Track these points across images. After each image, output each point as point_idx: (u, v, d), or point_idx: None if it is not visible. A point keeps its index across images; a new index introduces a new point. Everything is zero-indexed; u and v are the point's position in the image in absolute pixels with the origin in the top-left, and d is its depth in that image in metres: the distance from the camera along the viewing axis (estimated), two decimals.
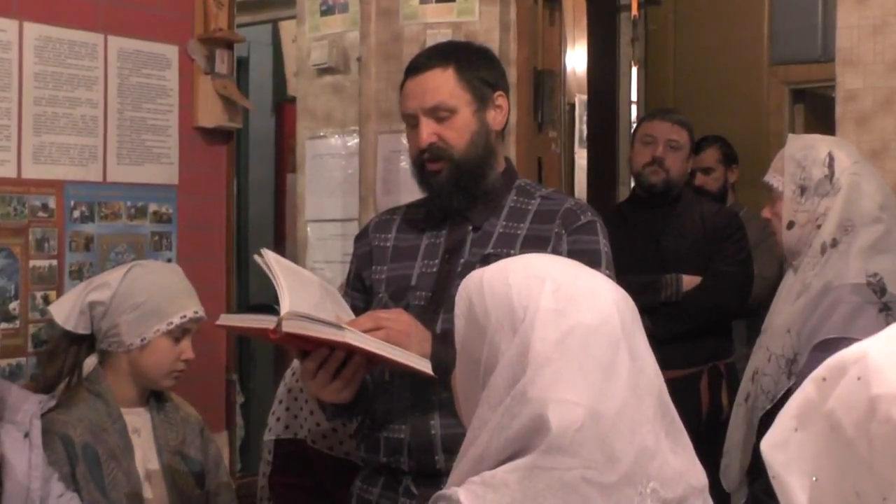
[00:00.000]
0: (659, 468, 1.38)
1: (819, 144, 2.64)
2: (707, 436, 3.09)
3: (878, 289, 2.47)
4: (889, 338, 0.98)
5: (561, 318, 1.39)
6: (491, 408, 1.39)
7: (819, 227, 2.56)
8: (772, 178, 2.67)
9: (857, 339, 1.99)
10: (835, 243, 2.52)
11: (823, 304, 2.46)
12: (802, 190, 2.59)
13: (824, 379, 1.00)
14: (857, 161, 2.63)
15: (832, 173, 2.57)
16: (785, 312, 2.57)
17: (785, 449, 1.02)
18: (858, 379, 0.95)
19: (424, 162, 2.40)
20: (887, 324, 2.43)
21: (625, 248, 3.59)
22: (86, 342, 2.67)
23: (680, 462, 1.41)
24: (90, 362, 2.67)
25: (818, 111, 6.12)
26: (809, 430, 1.01)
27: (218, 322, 2.33)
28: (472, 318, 1.47)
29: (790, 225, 2.59)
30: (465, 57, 2.44)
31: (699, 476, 1.44)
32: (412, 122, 2.42)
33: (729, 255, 3.86)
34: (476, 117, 2.41)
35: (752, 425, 2.58)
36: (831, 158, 2.58)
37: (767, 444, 1.04)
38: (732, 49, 6.36)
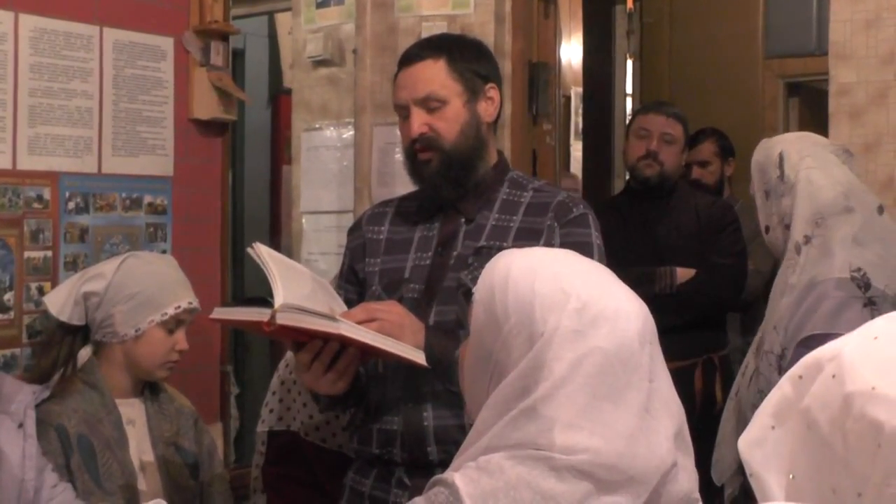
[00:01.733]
0: (672, 489, 1.39)
1: (774, 145, 2.66)
2: (701, 427, 3.10)
3: (863, 283, 2.47)
4: (864, 335, 0.99)
5: (580, 339, 1.39)
6: (498, 414, 1.40)
7: (787, 226, 2.57)
8: (751, 188, 2.70)
9: (841, 335, 1.99)
10: (808, 240, 2.53)
11: (809, 299, 2.46)
12: (767, 194, 2.61)
13: (800, 377, 1.01)
14: (808, 155, 2.63)
15: (782, 172, 2.58)
16: (773, 311, 2.58)
17: (762, 447, 1.03)
18: (833, 377, 0.96)
19: (415, 152, 2.41)
20: (872, 318, 2.45)
21: (619, 240, 3.61)
22: (80, 333, 2.68)
23: (689, 483, 1.42)
24: (84, 353, 2.68)
25: (813, 105, 6.13)
26: (786, 427, 1.01)
27: (212, 315, 2.33)
28: (491, 310, 1.47)
29: (767, 230, 2.61)
30: (457, 49, 2.45)
31: (696, 492, 1.45)
32: (404, 113, 2.43)
33: (723, 247, 3.87)
34: (467, 108, 2.41)
35: (745, 420, 2.59)
36: (781, 158, 2.60)
37: (745, 443, 1.04)
38: (727, 42, 6.36)
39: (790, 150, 2.62)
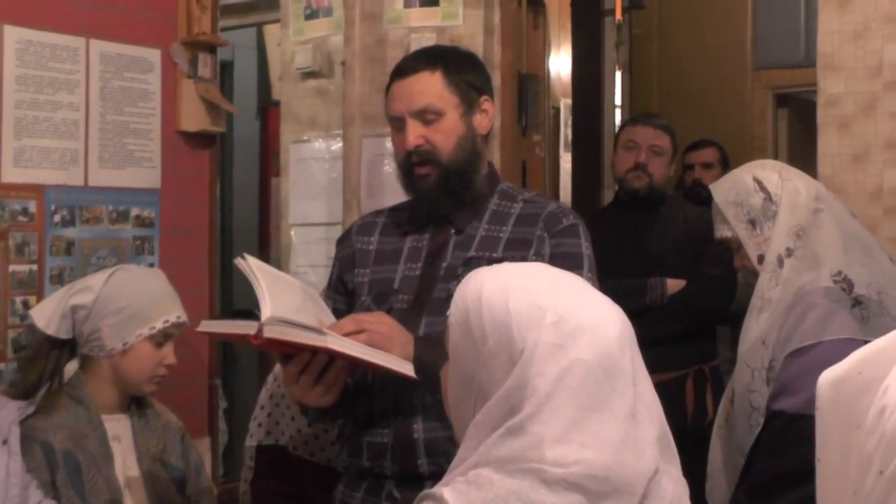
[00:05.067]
0: (657, 494, 1.38)
1: (739, 176, 2.66)
2: (692, 438, 3.09)
3: (847, 285, 2.47)
4: None
5: (561, 353, 1.38)
6: (485, 434, 1.39)
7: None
8: (722, 232, 2.67)
9: (831, 342, 1.98)
10: (790, 252, 2.53)
11: (796, 310, 2.46)
12: (753, 223, 2.59)
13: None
14: (782, 169, 2.65)
15: (768, 193, 2.58)
16: (753, 327, 2.56)
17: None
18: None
19: (412, 165, 2.40)
20: (862, 318, 2.45)
21: (609, 251, 3.60)
22: (67, 347, 2.66)
23: (674, 489, 1.41)
24: (71, 367, 2.66)
25: (802, 115, 6.15)
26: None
27: (199, 328, 2.32)
28: (467, 332, 1.46)
29: (760, 259, 2.59)
30: (453, 61, 2.45)
31: (685, 498, 1.44)
32: (398, 125, 2.42)
33: (713, 257, 3.87)
34: (463, 121, 2.41)
35: (739, 446, 2.56)
36: (759, 181, 2.60)
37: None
38: (716, 54, 6.38)
39: (762, 173, 2.63)
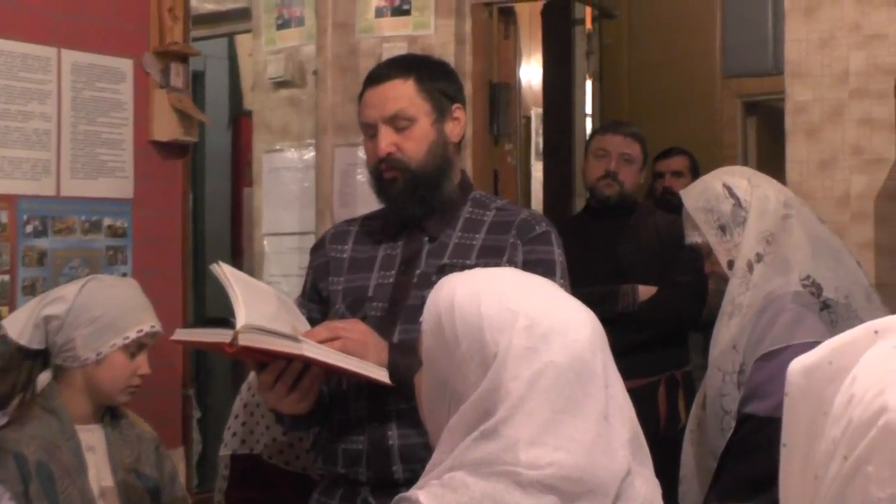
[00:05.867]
0: (630, 495, 1.39)
1: (709, 182, 2.67)
2: (665, 444, 3.11)
3: (815, 289, 2.50)
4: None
5: (533, 356, 1.39)
6: (460, 438, 1.40)
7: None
8: (692, 238, 2.69)
9: (801, 346, 2.01)
10: (760, 258, 2.55)
11: (766, 314, 2.48)
12: (723, 229, 2.61)
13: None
14: (751, 175, 2.67)
15: (738, 199, 2.60)
16: (724, 332, 2.58)
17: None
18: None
19: (382, 171, 2.42)
20: (831, 322, 2.47)
21: (581, 259, 3.62)
22: (40, 357, 2.65)
23: (646, 490, 1.43)
24: (44, 378, 2.65)
25: (770, 123, 6.20)
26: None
27: (173, 337, 2.32)
28: (440, 337, 1.46)
29: (730, 264, 2.61)
30: (425, 68, 2.47)
31: (658, 499, 1.46)
32: (371, 132, 2.43)
33: (684, 264, 3.89)
34: (435, 128, 2.42)
35: (711, 449, 2.58)
36: (728, 187, 2.62)
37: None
38: (685, 62, 6.43)
39: (732, 179, 2.64)
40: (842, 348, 1.00)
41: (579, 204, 5.73)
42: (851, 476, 0.92)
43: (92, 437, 2.65)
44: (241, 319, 2.12)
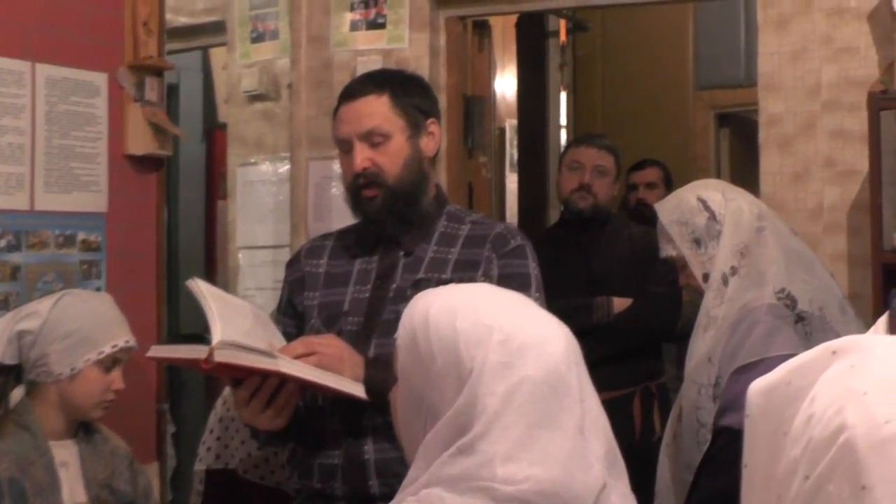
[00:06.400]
0: None
1: (684, 196, 2.69)
2: (640, 456, 3.12)
3: (790, 302, 2.52)
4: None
5: (508, 371, 1.39)
6: (436, 453, 1.40)
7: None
8: (667, 252, 2.70)
9: (776, 358, 2.01)
10: (735, 270, 2.56)
11: (741, 326, 2.49)
12: (697, 242, 2.62)
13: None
14: (725, 188, 2.69)
15: (712, 212, 2.61)
16: (699, 345, 2.59)
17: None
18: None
19: (360, 188, 2.42)
20: (805, 334, 2.49)
21: (555, 271, 3.63)
22: (13, 372, 2.63)
23: (619, 500, 1.43)
24: (17, 393, 2.63)
25: (743, 135, 6.24)
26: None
27: (148, 354, 2.32)
28: (415, 353, 1.46)
29: (705, 277, 2.62)
30: (400, 84, 2.47)
31: None
32: (346, 148, 2.44)
33: (659, 276, 3.90)
34: (410, 143, 2.43)
35: (686, 462, 2.59)
36: (703, 201, 2.63)
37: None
38: (658, 74, 6.46)
39: (706, 192, 2.66)
40: (800, 368, 1.01)
41: (554, 216, 5.74)
42: (813, 495, 0.92)
43: (65, 453, 2.63)
44: (216, 336, 2.12)
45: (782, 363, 1.05)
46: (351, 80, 2.57)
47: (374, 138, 2.40)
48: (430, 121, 2.48)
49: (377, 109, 2.40)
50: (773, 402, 1.02)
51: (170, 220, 5.14)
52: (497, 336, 1.41)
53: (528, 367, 1.40)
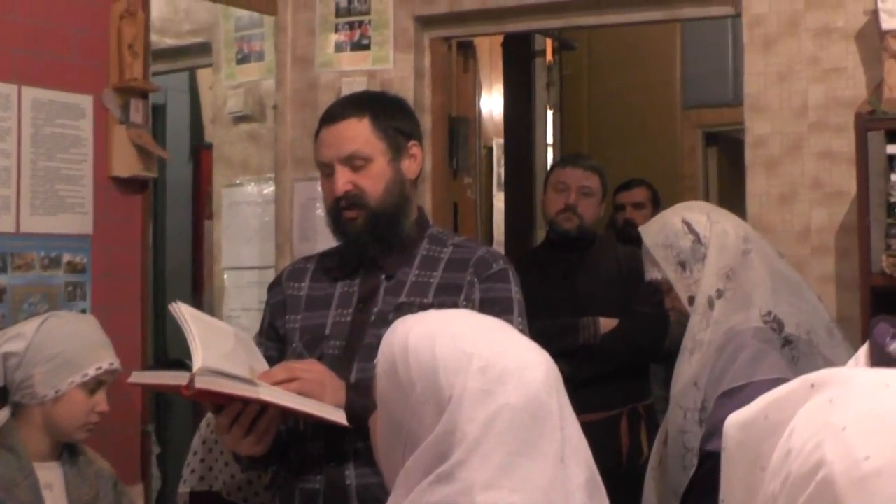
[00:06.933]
0: None
1: (668, 218, 2.67)
2: (627, 477, 3.11)
3: (776, 325, 2.51)
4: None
5: (488, 398, 1.38)
6: (415, 481, 1.39)
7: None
8: (652, 275, 2.69)
9: (762, 382, 1.99)
10: (720, 294, 2.55)
11: (728, 350, 2.48)
12: (683, 265, 2.62)
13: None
14: (710, 211, 2.67)
15: (697, 235, 2.61)
16: (685, 369, 2.58)
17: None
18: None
19: (341, 209, 2.42)
20: (792, 358, 2.48)
21: (541, 292, 3.63)
22: None
23: None
24: (2, 415, 2.63)
25: (731, 154, 6.24)
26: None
27: (130, 379, 2.31)
28: (394, 380, 1.46)
29: (691, 300, 2.61)
30: (380, 106, 2.47)
31: None
32: (327, 171, 2.44)
33: (645, 296, 3.90)
34: (391, 166, 2.43)
35: (672, 487, 2.58)
36: (687, 223, 2.62)
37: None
38: (646, 93, 6.47)
39: (691, 215, 2.65)
40: (777, 402, 1.00)
41: (540, 235, 5.74)
42: None
43: (50, 475, 2.63)
44: (197, 362, 2.11)
45: (765, 392, 1.04)
46: (331, 104, 2.56)
47: (355, 162, 2.40)
48: (411, 143, 2.48)
49: (358, 133, 2.40)
50: (750, 436, 1.01)
51: (157, 240, 5.14)
52: (477, 363, 1.41)
53: (508, 394, 1.39)
